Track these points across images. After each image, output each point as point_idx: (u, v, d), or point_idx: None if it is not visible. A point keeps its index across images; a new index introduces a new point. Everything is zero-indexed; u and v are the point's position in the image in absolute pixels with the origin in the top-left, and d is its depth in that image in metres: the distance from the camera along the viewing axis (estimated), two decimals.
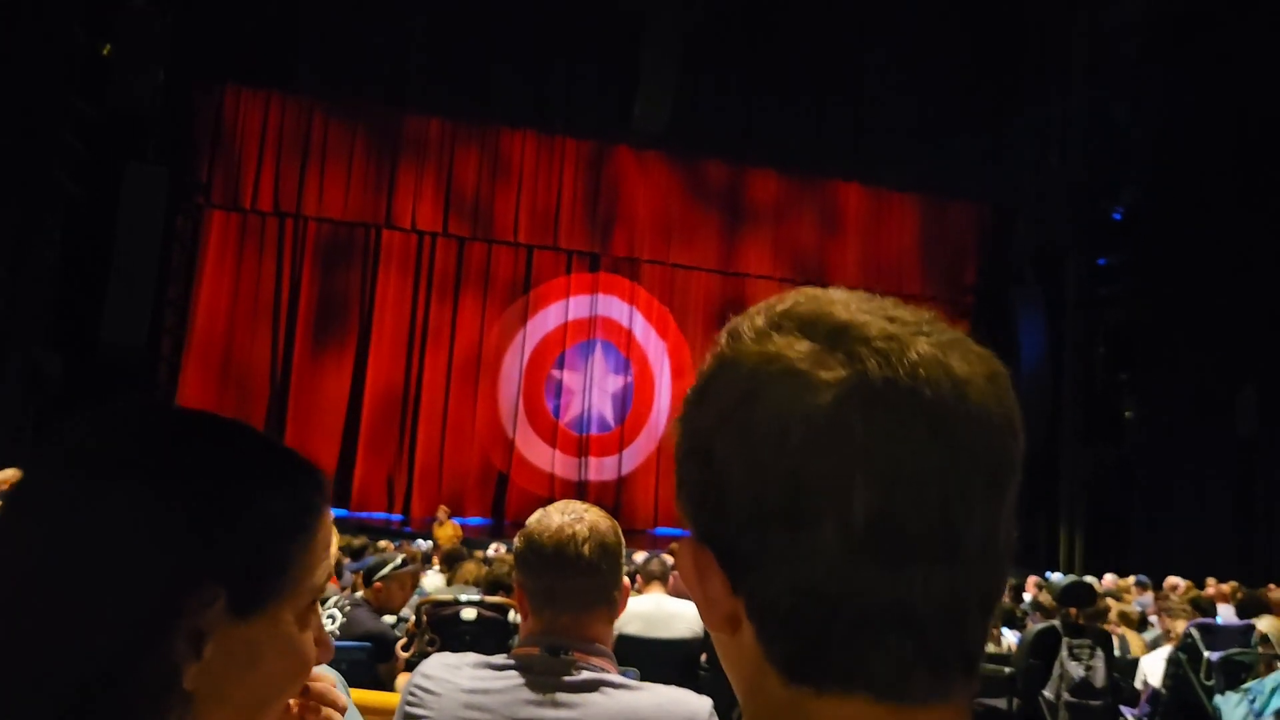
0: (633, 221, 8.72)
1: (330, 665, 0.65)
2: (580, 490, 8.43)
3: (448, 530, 7.14)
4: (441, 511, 7.12)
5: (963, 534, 0.41)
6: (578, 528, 1.07)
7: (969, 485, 0.41)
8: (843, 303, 0.44)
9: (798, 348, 0.42)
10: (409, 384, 8.31)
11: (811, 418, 0.40)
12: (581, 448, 8.64)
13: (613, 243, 8.76)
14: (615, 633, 1.12)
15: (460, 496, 8.20)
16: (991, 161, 8.99)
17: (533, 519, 1.08)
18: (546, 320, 8.70)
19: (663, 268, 8.92)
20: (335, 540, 0.65)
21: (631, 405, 8.72)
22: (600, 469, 8.65)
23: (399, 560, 2.89)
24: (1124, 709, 3.15)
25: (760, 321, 0.44)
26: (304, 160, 8.15)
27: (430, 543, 6.61)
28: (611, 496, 8.43)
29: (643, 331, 8.85)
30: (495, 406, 8.51)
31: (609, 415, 8.72)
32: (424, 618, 2.83)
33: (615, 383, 8.71)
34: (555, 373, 8.63)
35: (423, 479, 8.23)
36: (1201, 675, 2.88)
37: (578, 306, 8.72)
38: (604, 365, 8.72)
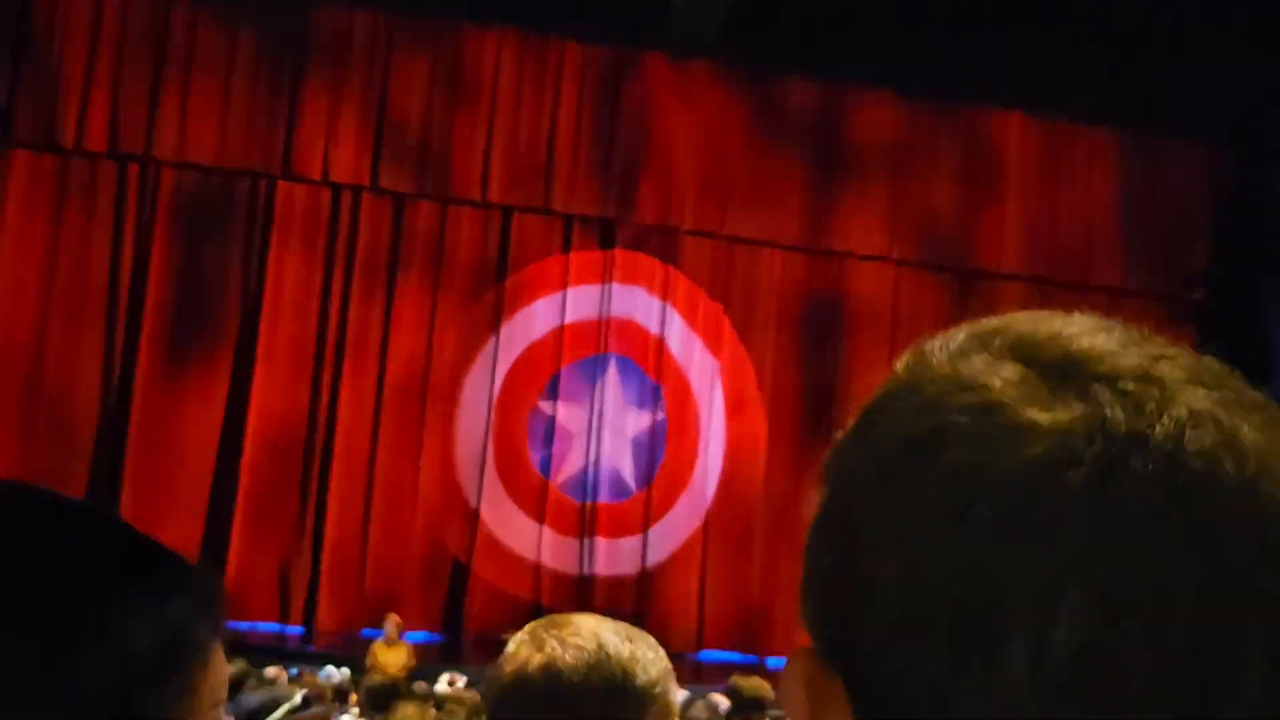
0: (668, 170, 7.78)
1: None
2: (583, 590, 7.50)
3: (397, 656, 6.28)
4: (391, 625, 6.37)
5: (1219, 698, 0.38)
6: (593, 658, 0.94)
7: (1241, 628, 0.38)
8: (1083, 327, 0.43)
9: (1004, 373, 0.41)
10: (315, 420, 7.37)
11: (1010, 482, 0.39)
12: (585, 523, 7.62)
13: (636, 203, 7.81)
14: None
15: (394, 598, 7.16)
16: (1235, 83, 7.86)
17: (516, 643, 0.97)
18: (531, 324, 7.70)
19: (715, 242, 7.88)
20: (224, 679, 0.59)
21: (664, 457, 7.72)
22: (614, 557, 7.64)
23: (297, 700, 2.84)
24: None
25: (960, 338, 0.44)
26: (156, 80, 7.38)
27: (345, 671, 5.87)
28: (630, 601, 7.42)
29: (683, 341, 7.83)
30: (450, 458, 7.53)
31: (628, 473, 7.72)
32: None
33: (638, 421, 7.70)
34: (544, 405, 7.64)
35: (335, 571, 7.29)
36: None
37: (581, 302, 7.73)
38: (621, 394, 7.73)
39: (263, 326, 7.43)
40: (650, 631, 0.97)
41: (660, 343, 7.85)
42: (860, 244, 8.06)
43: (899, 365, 0.44)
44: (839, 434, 0.43)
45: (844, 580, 0.41)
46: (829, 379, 7.90)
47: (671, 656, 0.95)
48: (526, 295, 7.74)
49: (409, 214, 7.64)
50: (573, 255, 7.82)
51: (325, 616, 7.32)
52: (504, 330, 7.69)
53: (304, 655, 6.56)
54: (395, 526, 7.45)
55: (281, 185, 7.51)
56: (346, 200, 7.57)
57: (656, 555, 7.71)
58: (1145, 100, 7.97)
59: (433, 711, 3.69)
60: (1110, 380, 0.40)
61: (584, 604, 6.92)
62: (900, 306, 7.99)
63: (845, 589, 0.41)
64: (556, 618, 0.99)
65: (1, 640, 0.49)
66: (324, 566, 7.35)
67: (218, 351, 7.39)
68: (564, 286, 7.74)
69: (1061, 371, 0.41)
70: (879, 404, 0.43)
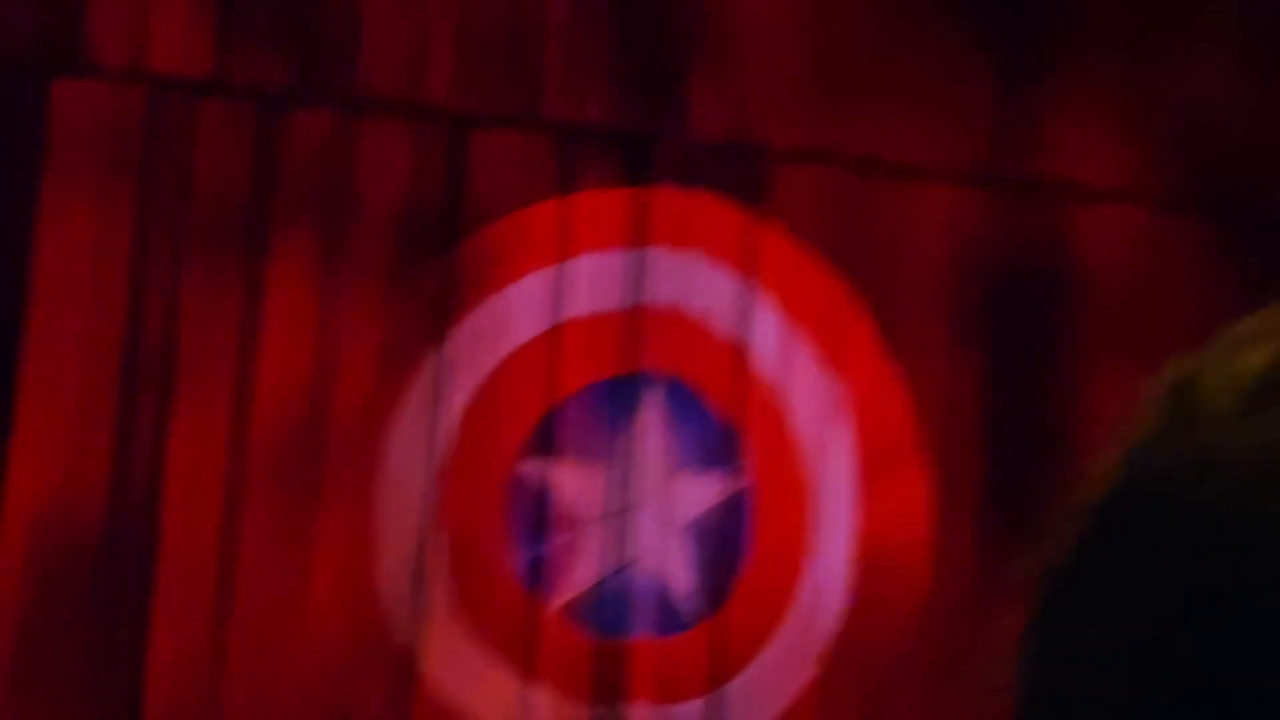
0: (742, 50, 6.52)
1: None
2: None
3: None
4: None
5: None
6: None
7: None
8: None
9: None
10: (123, 499, 6.05)
11: None
12: (608, 678, 6.25)
13: (690, 106, 6.49)
14: None
15: None
16: None
17: None
18: (505, 322, 6.42)
19: (830, 174, 6.49)
20: None
21: (747, 558, 6.40)
22: None
23: None
24: None
25: (1253, 362, 0.42)
26: None
27: None
28: None
29: (778, 349, 6.51)
30: (363, 564, 6.21)
31: (682, 588, 6.42)
32: None
33: (700, 495, 6.42)
34: (531, 468, 6.38)
35: None
36: None
37: (594, 282, 6.49)
38: (668, 446, 6.45)
39: (31, 332, 5.91)
40: None
41: (738, 353, 6.39)
42: (1088, 171, 6.52)
43: (1145, 411, 0.43)
44: (1041, 546, 0.44)
45: None
46: (1043, 410, 6.43)
47: None
48: (496, 272, 6.30)
49: (286, 130, 6.19)
50: (579, 199, 6.36)
51: None
52: (456, 335, 6.23)
53: None
54: (271, 687, 5.99)
55: (62, 85, 6.12)
56: (172, 107, 6.13)
57: None
58: None
59: None
60: None
61: None
62: (1160, 280, 6.49)
63: None
64: None
65: None
66: None
67: None
68: (563, 255, 6.34)
69: None
70: (1111, 504, 0.42)
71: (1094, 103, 6.54)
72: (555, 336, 6.22)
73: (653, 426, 6.26)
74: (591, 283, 6.29)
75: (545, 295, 6.24)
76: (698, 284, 6.33)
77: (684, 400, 6.30)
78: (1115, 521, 0.42)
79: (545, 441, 6.21)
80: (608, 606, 6.17)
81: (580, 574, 6.18)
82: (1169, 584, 0.39)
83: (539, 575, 6.13)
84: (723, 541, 6.26)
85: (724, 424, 6.30)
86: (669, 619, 6.21)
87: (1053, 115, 6.53)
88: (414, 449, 6.10)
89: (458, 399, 6.13)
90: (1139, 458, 0.43)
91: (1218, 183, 6.55)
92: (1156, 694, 0.39)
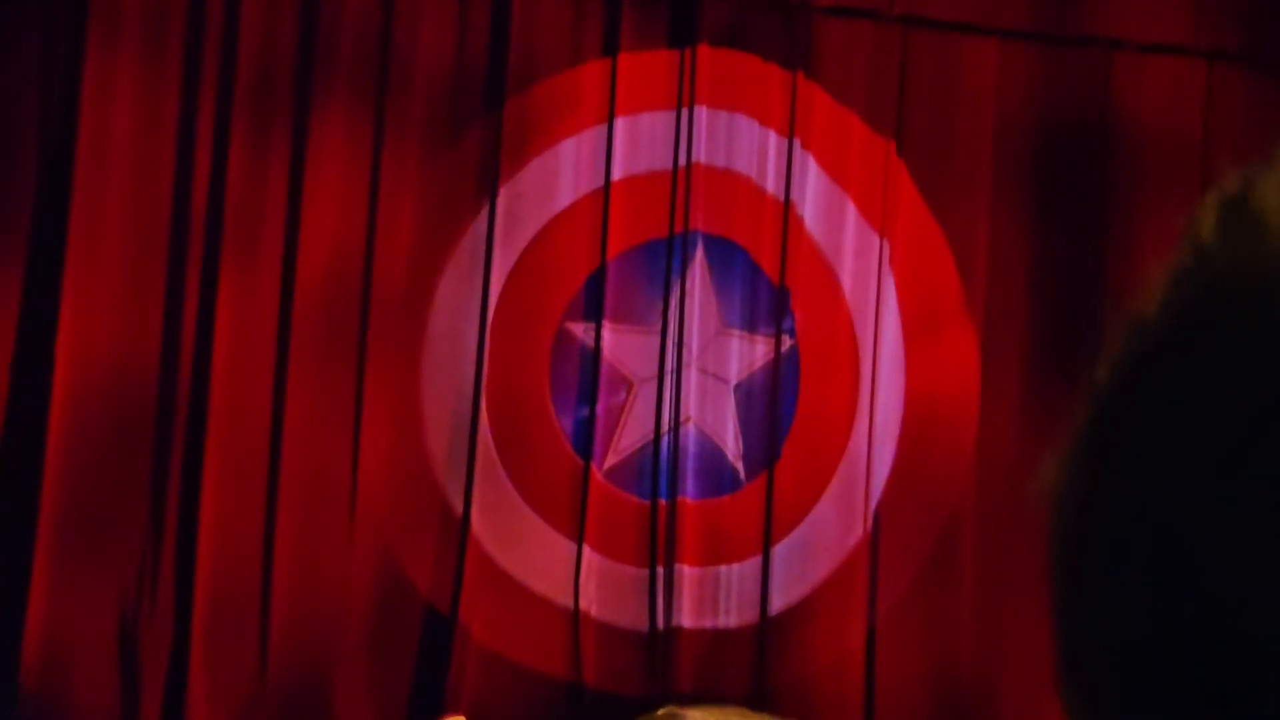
0: None
1: None
2: (656, 659, 6.19)
3: None
4: None
5: None
6: None
7: None
8: None
9: None
10: (173, 360, 6.10)
11: None
12: (657, 539, 6.33)
13: None
14: None
15: (322, 678, 6.00)
16: None
17: None
18: (551, 183, 6.42)
19: (877, 29, 6.49)
20: None
21: (796, 418, 6.46)
22: (710, 597, 6.36)
23: None
24: None
25: None
26: None
27: None
28: (742, 674, 6.19)
29: (825, 208, 6.52)
30: (414, 425, 6.28)
31: (731, 448, 6.45)
32: None
33: (749, 355, 6.48)
34: (578, 329, 6.41)
35: (216, 632, 5.98)
36: None
37: (639, 143, 6.47)
38: (717, 307, 6.48)
39: (77, 197, 5.87)
40: None
41: (785, 211, 6.36)
42: (1137, 24, 6.43)
43: (1201, 228, 0.40)
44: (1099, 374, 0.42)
45: (1187, 638, 0.38)
46: (1091, 267, 6.36)
47: None
48: (541, 133, 6.30)
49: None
50: (622, 58, 6.32)
51: (202, 712, 5.92)
52: (502, 196, 6.21)
53: None
54: (319, 549, 6.07)
55: None
56: None
57: (787, 592, 6.32)
58: None
59: None
60: None
61: (659, 681, 5.86)
62: (1215, 134, 6.38)
63: (1191, 652, 0.38)
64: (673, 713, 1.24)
65: None
66: (196, 624, 5.92)
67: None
68: (607, 115, 6.31)
69: None
70: (1186, 310, 0.40)
71: None
72: (599, 198, 6.20)
73: (700, 287, 6.25)
74: (637, 143, 6.25)
75: (591, 156, 6.21)
76: (743, 144, 6.30)
77: (731, 261, 6.29)
78: (1187, 330, 0.41)
79: (593, 302, 6.22)
80: (656, 467, 6.19)
81: (628, 436, 6.21)
82: (1254, 381, 0.38)
83: (587, 437, 6.16)
84: (771, 402, 6.26)
85: (771, 286, 6.28)
86: (718, 480, 6.24)
87: None
88: (460, 311, 6.12)
89: (504, 260, 6.13)
90: (1199, 272, 0.41)
91: (1270, 33, 6.43)
92: (1247, 477, 0.38)
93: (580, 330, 6.20)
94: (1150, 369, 0.42)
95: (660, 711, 1.28)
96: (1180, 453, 0.39)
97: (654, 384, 6.21)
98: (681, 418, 6.21)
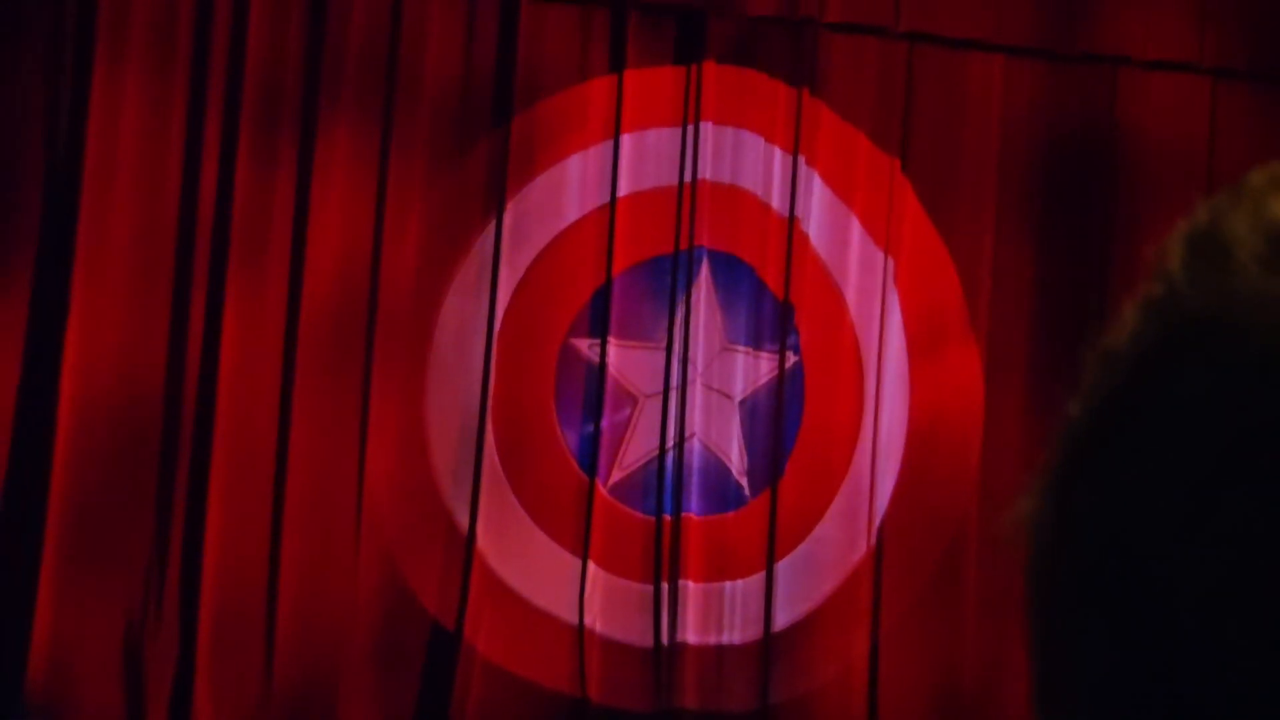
0: None
1: None
2: (661, 675, 6.20)
3: None
4: None
5: None
6: None
7: None
8: None
9: None
10: (179, 372, 6.14)
11: None
12: (661, 555, 6.38)
13: None
14: None
15: (326, 690, 6.04)
16: None
17: None
18: (558, 198, 6.45)
19: (883, 45, 6.54)
20: None
21: (800, 433, 6.51)
22: (714, 614, 6.38)
23: None
24: None
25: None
26: None
27: None
28: (746, 690, 6.23)
29: (829, 224, 6.56)
30: (419, 439, 6.31)
31: (736, 464, 6.48)
32: None
33: (754, 371, 6.53)
34: (584, 345, 6.46)
35: (222, 645, 6.01)
36: None
37: (646, 159, 6.50)
38: (722, 322, 6.52)
39: (84, 211, 5.88)
40: None
41: (790, 228, 6.38)
42: (1142, 41, 6.45)
43: (1172, 268, 0.40)
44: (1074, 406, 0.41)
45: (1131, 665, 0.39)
46: (1096, 284, 6.38)
47: None
48: (547, 149, 6.30)
49: (335, 5, 6.12)
50: (629, 75, 6.34)
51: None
52: (509, 211, 6.23)
53: None
54: (324, 562, 6.09)
55: None
56: None
57: (791, 608, 6.34)
58: None
59: None
60: None
61: (663, 697, 5.92)
62: (1221, 151, 6.42)
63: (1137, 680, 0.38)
64: None
65: None
66: (202, 634, 5.92)
67: (4, 261, 5.96)
68: (614, 131, 6.33)
69: None
70: (1158, 349, 0.40)
71: None
72: (606, 213, 6.23)
73: (705, 303, 6.27)
74: (643, 159, 6.29)
75: (597, 172, 6.25)
76: (749, 161, 6.34)
77: (736, 277, 6.31)
78: (1154, 367, 0.40)
79: (599, 318, 6.25)
80: (661, 483, 6.22)
81: (633, 451, 6.25)
82: (1220, 423, 0.38)
83: (592, 452, 6.19)
84: (775, 418, 6.30)
85: (776, 300, 6.31)
86: (722, 496, 6.27)
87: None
88: (466, 325, 6.14)
89: (510, 275, 6.16)
90: (1168, 305, 0.41)
91: (1276, 50, 6.45)
92: (1211, 525, 0.38)
93: (586, 346, 6.22)
94: (1120, 405, 0.41)
95: None
96: (1149, 490, 0.39)
97: (659, 400, 6.25)
98: (686, 434, 6.25)
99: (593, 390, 6.27)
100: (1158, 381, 0.40)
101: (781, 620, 6.19)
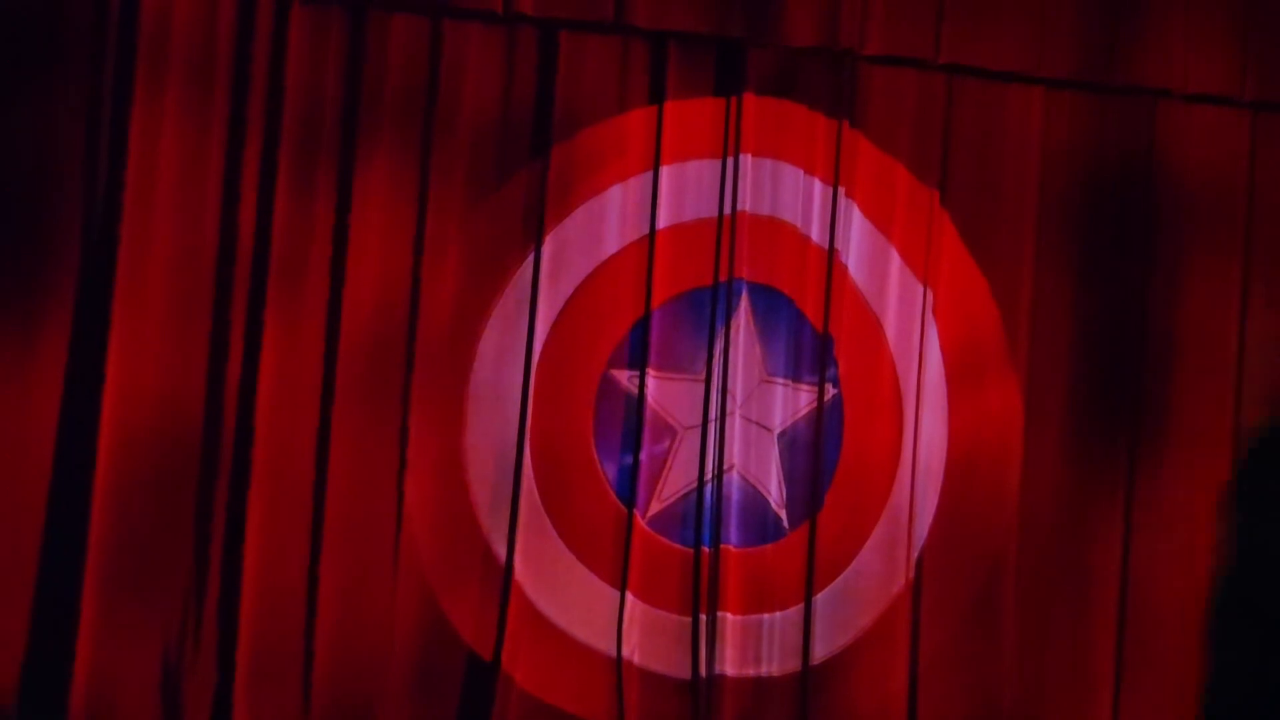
0: None
1: None
2: (699, 706, 6.28)
3: None
4: None
5: None
6: None
7: None
8: None
9: None
10: (217, 403, 6.14)
11: None
12: (700, 587, 6.41)
13: (784, 10, 6.44)
14: None
15: (368, 716, 6.07)
16: None
17: None
18: (597, 230, 6.46)
19: (922, 78, 6.57)
20: None
21: (840, 465, 6.54)
22: (753, 646, 6.41)
23: None
24: None
25: None
26: None
27: None
28: (788, 714, 6.29)
29: (869, 257, 6.61)
30: (457, 470, 6.31)
31: (775, 496, 6.49)
32: None
33: (793, 403, 6.54)
34: (622, 377, 6.46)
35: (260, 672, 6.04)
36: None
37: (684, 191, 6.50)
38: (760, 354, 6.53)
39: (124, 242, 5.87)
40: None
41: (829, 259, 6.38)
42: (1183, 74, 6.44)
43: None
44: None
45: None
46: (1136, 317, 6.41)
47: None
48: (586, 180, 6.26)
49: (374, 35, 6.09)
50: (668, 106, 6.32)
51: None
52: (548, 242, 6.22)
53: None
54: (362, 592, 6.07)
55: None
56: (264, 12, 5.99)
57: (830, 640, 6.32)
58: None
59: None
60: None
61: None
62: (1261, 185, 6.47)
63: None
64: None
65: None
66: (240, 664, 5.90)
67: (47, 290, 5.90)
68: (653, 163, 6.31)
69: None
70: None
71: (1189, 3, 6.43)
72: (644, 246, 6.22)
73: (744, 335, 6.28)
74: (683, 191, 6.27)
75: (637, 204, 6.23)
76: (788, 192, 6.32)
77: (775, 309, 6.30)
78: None
79: (637, 350, 6.24)
80: (700, 515, 6.21)
81: (672, 483, 6.23)
82: None
83: (630, 484, 6.18)
84: (814, 450, 6.27)
85: (815, 334, 6.30)
86: (761, 528, 6.25)
87: (1145, 16, 6.40)
88: (505, 357, 6.13)
89: (549, 307, 6.15)
90: None
91: None
92: None
93: (625, 378, 6.22)
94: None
95: None
96: None
97: (698, 432, 6.22)
98: (725, 466, 6.22)
99: (631, 422, 6.23)
100: None
101: (820, 652, 6.17)
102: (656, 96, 6.22)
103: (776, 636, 6.19)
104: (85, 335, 5.82)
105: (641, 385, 6.20)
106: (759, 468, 6.27)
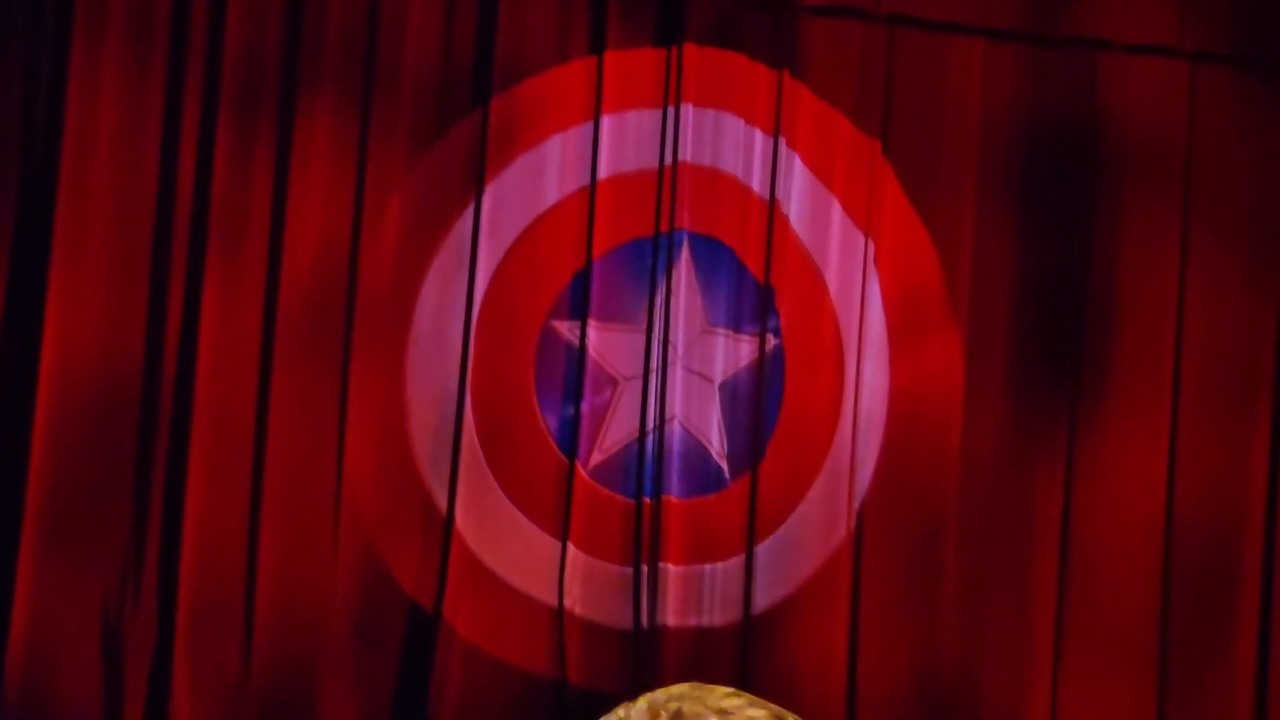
0: None
1: None
2: (640, 657, 6.25)
3: None
4: None
5: None
6: None
7: None
8: None
9: None
10: (157, 356, 6.14)
11: None
12: (641, 538, 6.38)
13: None
14: None
15: (306, 673, 6.05)
16: None
17: None
18: (537, 181, 6.45)
19: (864, 29, 6.53)
20: None
21: (781, 417, 6.48)
22: (694, 596, 6.40)
23: None
24: None
25: None
26: None
27: None
28: (725, 671, 6.14)
29: (810, 208, 6.55)
30: (398, 423, 6.31)
31: (716, 447, 6.47)
32: None
33: (734, 354, 6.54)
34: (564, 328, 6.46)
35: (200, 629, 6.03)
36: None
37: (625, 142, 6.49)
38: (702, 305, 6.52)
39: (62, 195, 5.87)
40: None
41: (770, 210, 6.34)
42: (1124, 25, 6.40)
43: None
44: None
45: None
46: (1076, 268, 6.40)
47: None
48: (526, 131, 6.24)
49: None
50: (609, 56, 6.29)
51: (186, 710, 5.88)
52: (489, 194, 6.19)
53: None
54: (303, 544, 6.08)
55: None
56: None
57: (771, 591, 6.30)
58: None
59: None
60: None
61: (643, 678, 5.86)
62: (1201, 137, 6.42)
63: None
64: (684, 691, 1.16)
65: None
66: (180, 620, 5.90)
67: None
68: (594, 113, 6.29)
69: None
70: None
71: None
72: (585, 196, 6.19)
73: (685, 286, 6.25)
74: (623, 142, 6.25)
75: (577, 154, 6.20)
76: (729, 143, 6.30)
77: (716, 259, 6.29)
78: None
79: (578, 301, 6.22)
80: (641, 466, 6.20)
81: (613, 434, 6.22)
82: None
83: (572, 435, 6.18)
84: (756, 401, 6.27)
85: (756, 284, 6.28)
86: (702, 478, 6.25)
87: None
88: (446, 309, 6.13)
89: (489, 258, 6.14)
90: None
91: (1256, 35, 6.42)
92: None
93: (566, 329, 6.19)
94: None
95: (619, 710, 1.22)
96: None
97: (639, 382, 6.22)
98: (666, 416, 6.23)
99: (573, 373, 6.23)
100: None
101: (761, 603, 6.18)
102: (597, 46, 6.19)
103: (718, 587, 6.20)
104: (22, 292, 5.78)
105: (583, 336, 6.19)
106: (700, 418, 6.26)
